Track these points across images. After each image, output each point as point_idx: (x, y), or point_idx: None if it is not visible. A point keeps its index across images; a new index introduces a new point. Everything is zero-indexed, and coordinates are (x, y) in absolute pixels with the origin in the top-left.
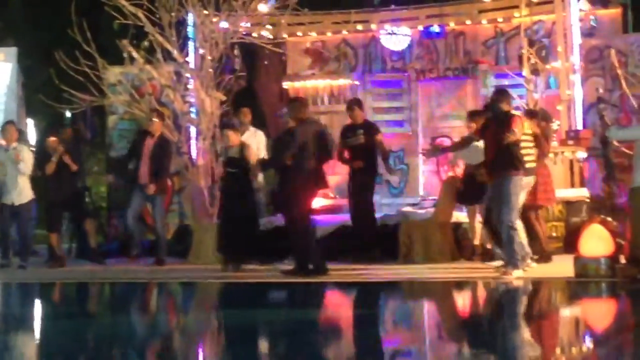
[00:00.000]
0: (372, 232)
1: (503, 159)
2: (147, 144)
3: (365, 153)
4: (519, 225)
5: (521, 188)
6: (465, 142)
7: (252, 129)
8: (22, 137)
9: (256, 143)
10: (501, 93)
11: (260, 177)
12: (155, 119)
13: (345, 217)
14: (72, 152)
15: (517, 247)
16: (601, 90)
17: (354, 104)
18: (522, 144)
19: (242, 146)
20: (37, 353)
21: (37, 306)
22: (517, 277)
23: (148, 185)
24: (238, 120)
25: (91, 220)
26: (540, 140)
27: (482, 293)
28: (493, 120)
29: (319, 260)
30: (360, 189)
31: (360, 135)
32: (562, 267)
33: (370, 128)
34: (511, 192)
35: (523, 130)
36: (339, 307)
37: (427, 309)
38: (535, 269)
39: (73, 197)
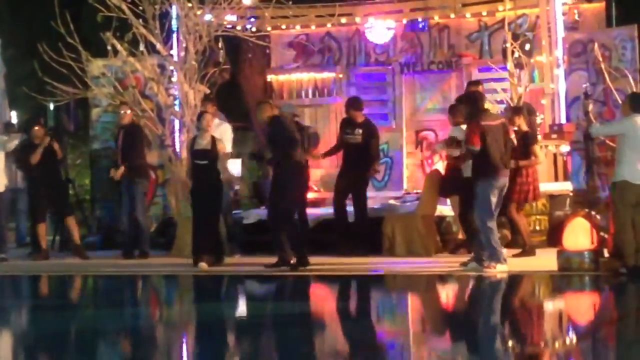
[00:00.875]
0: (364, 228)
1: (475, 165)
2: (120, 137)
3: (362, 152)
4: (494, 225)
5: (494, 189)
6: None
7: (216, 120)
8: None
9: (219, 135)
10: (469, 99)
11: (236, 170)
12: (126, 111)
13: (329, 210)
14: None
15: (496, 244)
16: (588, 85)
17: (349, 106)
18: None
19: (213, 139)
20: (16, 345)
21: (19, 299)
22: (500, 270)
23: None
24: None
25: (72, 217)
26: (529, 137)
27: (464, 286)
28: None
29: (303, 253)
30: (357, 184)
31: (359, 135)
32: (545, 260)
33: (369, 129)
34: (482, 196)
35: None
36: (321, 300)
37: (409, 302)
38: (518, 263)
39: (57, 190)
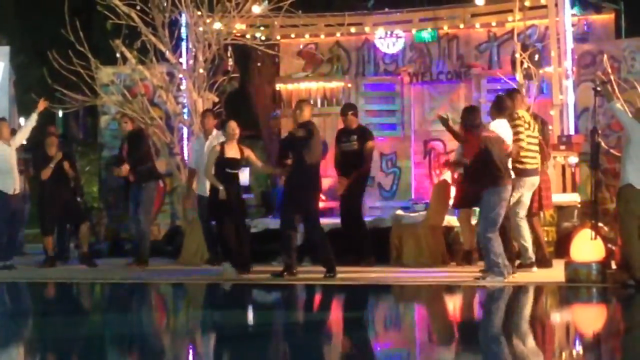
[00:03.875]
0: (361, 236)
1: (483, 174)
2: (124, 146)
3: (358, 158)
4: (495, 236)
5: (502, 200)
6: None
7: (215, 131)
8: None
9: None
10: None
11: (244, 179)
12: (127, 122)
13: (335, 220)
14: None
15: (495, 257)
16: (598, 81)
17: (347, 109)
18: (525, 146)
19: (240, 147)
20: (19, 352)
21: (24, 306)
22: (493, 282)
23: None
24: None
25: (85, 225)
26: (542, 146)
27: (471, 297)
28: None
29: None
30: (350, 193)
31: (354, 142)
32: (553, 272)
33: (364, 134)
34: (490, 206)
35: (497, 145)
36: (327, 309)
37: (415, 313)
38: (526, 274)
39: (70, 202)
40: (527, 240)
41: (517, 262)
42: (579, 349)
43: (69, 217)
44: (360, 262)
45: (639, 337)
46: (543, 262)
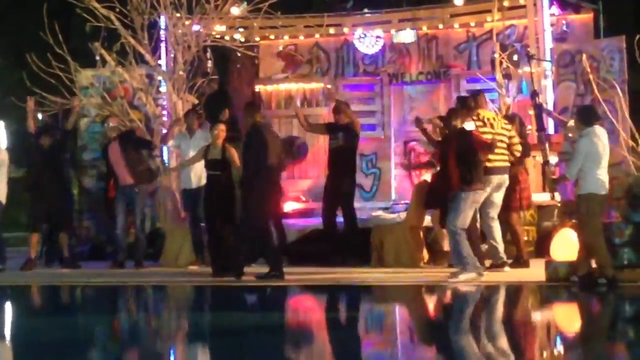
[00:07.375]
0: (354, 237)
1: (459, 175)
2: (112, 147)
3: (344, 155)
4: (462, 232)
5: (475, 201)
6: (429, 166)
7: (199, 130)
8: None
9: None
10: (453, 111)
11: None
12: (114, 123)
13: (316, 221)
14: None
15: (465, 252)
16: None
17: (335, 108)
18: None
19: (225, 148)
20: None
21: (6, 309)
22: (465, 279)
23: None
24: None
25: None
26: (519, 144)
27: (451, 297)
28: (451, 137)
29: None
30: (341, 193)
31: (340, 138)
32: (533, 271)
33: (350, 131)
34: (462, 203)
35: (485, 137)
36: (308, 310)
37: (396, 313)
38: (507, 273)
39: (59, 200)
40: (498, 241)
41: (489, 262)
42: (558, 347)
43: (55, 217)
44: (344, 262)
45: (619, 334)
46: (521, 262)
